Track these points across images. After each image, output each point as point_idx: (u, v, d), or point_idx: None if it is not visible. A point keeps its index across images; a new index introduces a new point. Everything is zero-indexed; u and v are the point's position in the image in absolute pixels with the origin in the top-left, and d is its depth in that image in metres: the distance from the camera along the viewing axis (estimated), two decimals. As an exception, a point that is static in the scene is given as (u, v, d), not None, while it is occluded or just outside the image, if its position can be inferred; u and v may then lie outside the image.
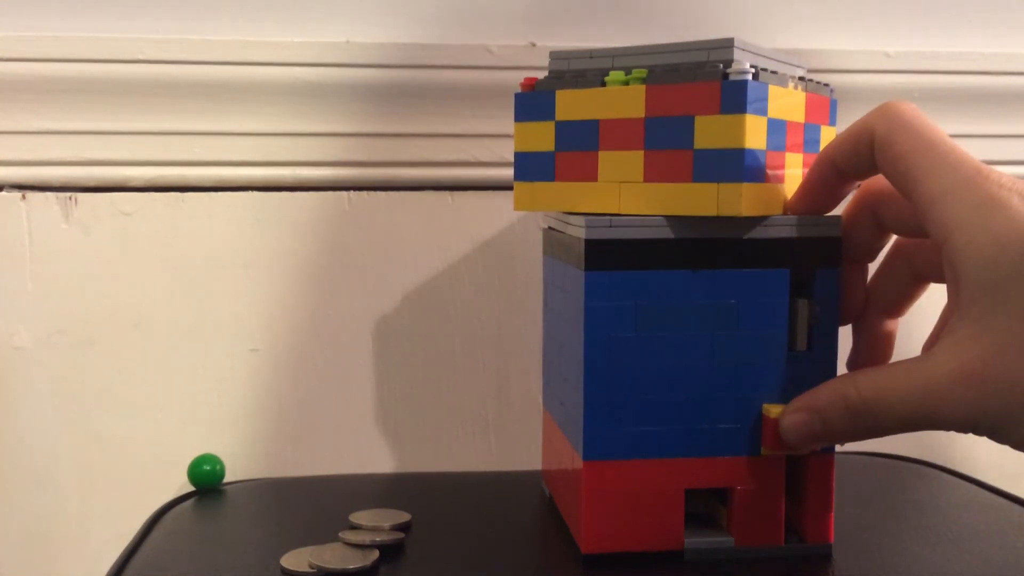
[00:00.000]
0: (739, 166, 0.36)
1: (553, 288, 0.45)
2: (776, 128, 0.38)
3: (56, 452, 0.59)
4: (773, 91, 0.38)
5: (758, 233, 0.39)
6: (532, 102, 0.42)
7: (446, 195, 0.60)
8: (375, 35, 0.59)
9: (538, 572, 0.40)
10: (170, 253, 0.59)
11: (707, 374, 0.39)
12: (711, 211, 0.37)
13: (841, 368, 0.40)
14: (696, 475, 0.39)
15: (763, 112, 0.37)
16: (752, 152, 0.37)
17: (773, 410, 0.39)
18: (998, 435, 0.33)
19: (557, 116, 0.41)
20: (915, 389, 0.33)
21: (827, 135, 0.43)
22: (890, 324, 0.42)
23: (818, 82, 0.42)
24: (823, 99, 0.42)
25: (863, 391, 0.35)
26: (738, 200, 0.37)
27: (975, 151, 0.58)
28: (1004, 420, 0.32)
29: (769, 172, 0.38)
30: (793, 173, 0.40)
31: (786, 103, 0.39)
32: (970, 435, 0.34)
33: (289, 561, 0.40)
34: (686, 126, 0.37)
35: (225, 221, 0.59)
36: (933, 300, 0.41)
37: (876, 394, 0.35)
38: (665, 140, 0.38)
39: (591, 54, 0.41)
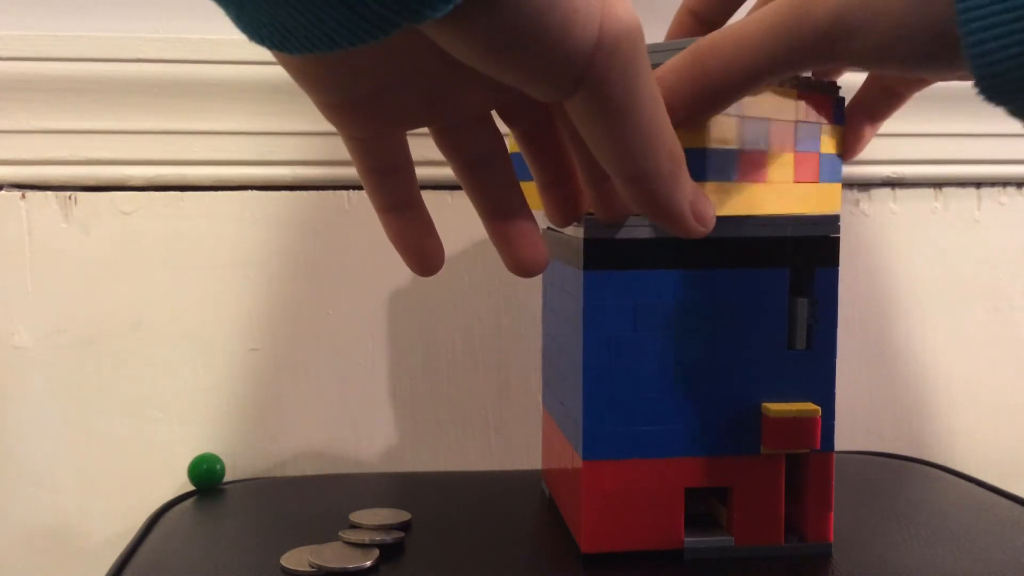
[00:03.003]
0: (701, 165, 0.36)
1: (553, 288, 0.45)
2: (755, 127, 0.38)
3: (56, 452, 0.59)
4: None
5: (757, 233, 0.39)
6: None
7: (446, 195, 0.60)
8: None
9: (538, 572, 0.40)
10: (170, 253, 0.59)
11: (706, 374, 0.39)
12: None
13: (840, 367, 0.40)
14: (696, 474, 0.39)
15: (735, 111, 0.37)
16: (718, 151, 0.37)
17: (772, 409, 0.39)
18: (855, 38, 0.29)
19: None
20: (755, 19, 0.31)
21: (830, 133, 0.42)
22: (869, 129, 0.44)
23: (819, 81, 0.42)
24: (824, 98, 0.42)
25: (698, 43, 0.32)
26: None
27: (972, 150, 0.58)
28: (866, 13, 0.29)
29: (742, 172, 0.38)
30: (780, 171, 0.40)
31: (769, 102, 0.38)
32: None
33: (289, 560, 0.40)
34: None
35: (225, 221, 0.59)
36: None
37: (710, 40, 0.32)
38: None
39: None
